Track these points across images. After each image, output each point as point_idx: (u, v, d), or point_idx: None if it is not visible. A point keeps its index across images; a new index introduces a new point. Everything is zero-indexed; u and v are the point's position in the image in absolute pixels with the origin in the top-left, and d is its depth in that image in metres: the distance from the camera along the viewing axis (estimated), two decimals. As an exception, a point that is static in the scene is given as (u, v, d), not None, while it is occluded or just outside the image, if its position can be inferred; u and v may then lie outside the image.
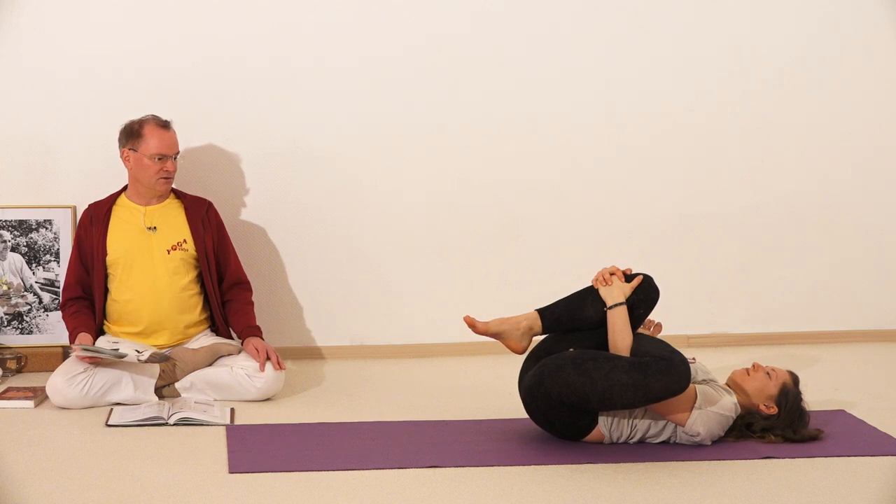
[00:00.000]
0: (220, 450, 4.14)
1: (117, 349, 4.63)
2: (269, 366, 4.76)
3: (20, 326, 5.28)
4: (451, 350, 5.61)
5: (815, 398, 4.58)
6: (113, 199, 4.96)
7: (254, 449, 4.14)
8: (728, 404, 4.19)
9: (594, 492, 3.77)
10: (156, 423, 4.40)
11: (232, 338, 5.03)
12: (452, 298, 5.60)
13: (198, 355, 4.80)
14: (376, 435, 4.34)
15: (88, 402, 4.63)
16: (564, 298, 4.34)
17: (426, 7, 5.48)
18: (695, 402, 4.11)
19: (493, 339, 4.37)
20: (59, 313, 5.03)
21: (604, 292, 4.25)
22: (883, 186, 5.89)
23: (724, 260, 5.83)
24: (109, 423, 4.41)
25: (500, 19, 5.54)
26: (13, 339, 5.27)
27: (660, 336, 4.58)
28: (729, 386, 4.32)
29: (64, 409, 4.62)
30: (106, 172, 5.18)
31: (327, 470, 3.93)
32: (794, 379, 4.30)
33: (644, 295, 4.27)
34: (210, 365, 4.81)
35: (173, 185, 5.00)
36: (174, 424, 4.41)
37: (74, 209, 5.27)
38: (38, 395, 4.69)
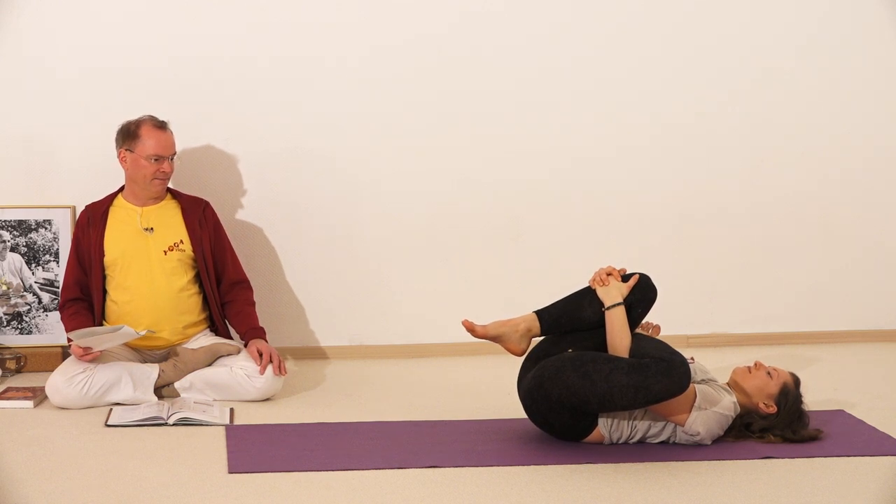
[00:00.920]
0: (220, 450, 4.14)
1: (114, 329, 4.64)
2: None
3: (19, 326, 5.28)
4: (451, 350, 5.61)
5: (814, 398, 4.58)
6: (110, 199, 4.96)
7: (253, 449, 4.13)
8: (728, 404, 4.18)
9: (594, 492, 3.77)
10: (155, 423, 4.40)
11: (231, 337, 5.02)
12: (452, 298, 5.60)
13: (197, 355, 4.80)
14: (376, 435, 4.34)
15: (88, 402, 4.63)
16: (562, 300, 4.33)
17: (426, 7, 5.48)
18: (694, 402, 4.11)
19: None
20: (59, 314, 5.03)
21: (601, 293, 4.24)
22: (883, 186, 5.89)
23: (724, 260, 5.83)
24: (109, 423, 4.41)
25: (500, 19, 5.53)
26: (13, 339, 5.27)
27: (659, 337, 4.58)
28: (730, 384, 4.32)
29: (63, 409, 4.62)
30: (106, 173, 5.17)
31: (327, 470, 3.93)
32: (796, 380, 4.30)
33: (642, 294, 4.26)
34: (209, 365, 4.81)
35: (170, 185, 5.00)
36: (174, 424, 4.40)
37: (74, 209, 5.27)
38: (38, 396, 4.69)
